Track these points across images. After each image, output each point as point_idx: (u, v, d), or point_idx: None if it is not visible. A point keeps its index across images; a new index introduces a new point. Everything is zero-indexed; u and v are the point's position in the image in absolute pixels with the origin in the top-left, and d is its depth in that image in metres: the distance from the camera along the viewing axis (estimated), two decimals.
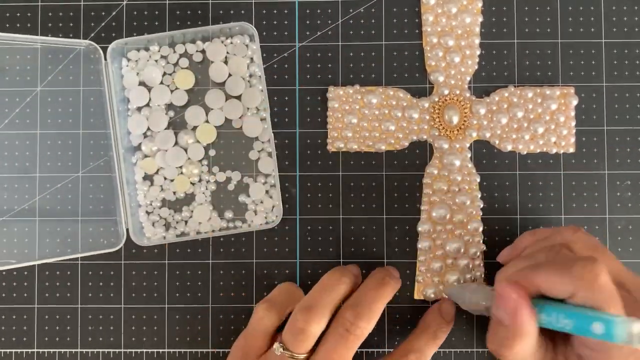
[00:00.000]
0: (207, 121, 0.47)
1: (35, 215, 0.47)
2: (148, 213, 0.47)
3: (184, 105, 0.48)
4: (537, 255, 0.39)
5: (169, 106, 0.48)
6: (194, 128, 0.47)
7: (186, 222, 0.47)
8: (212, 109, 0.47)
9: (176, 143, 0.47)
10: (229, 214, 0.47)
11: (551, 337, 0.39)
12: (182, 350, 0.47)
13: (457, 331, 0.47)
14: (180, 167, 0.47)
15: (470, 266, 0.46)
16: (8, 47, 0.48)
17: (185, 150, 0.47)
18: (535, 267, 0.37)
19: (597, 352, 0.36)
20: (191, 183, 0.47)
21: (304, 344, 0.40)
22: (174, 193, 0.47)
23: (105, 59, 0.46)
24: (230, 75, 0.47)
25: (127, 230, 0.46)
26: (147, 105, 0.47)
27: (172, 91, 0.47)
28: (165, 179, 0.47)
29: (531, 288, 0.37)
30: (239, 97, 0.47)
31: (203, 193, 0.47)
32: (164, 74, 0.48)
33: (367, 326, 0.41)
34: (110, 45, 0.46)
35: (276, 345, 0.41)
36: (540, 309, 0.36)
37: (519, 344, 0.36)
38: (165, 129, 0.47)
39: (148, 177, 0.47)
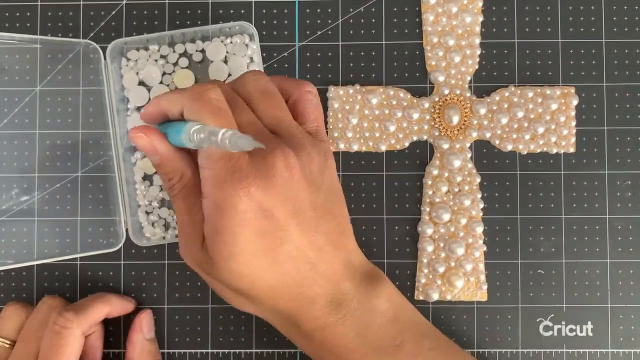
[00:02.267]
0: None
1: (35, 215, 0.47)
2: (147, 213, 0.47)
3: None
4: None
5: None
6: None
7: None
8: None
9: None
10: None
11: None
12: (182, 350, 0.47)
13: (458, 331, 0.47)
14: None
15: (471, 267, 0.46)
16: (8, 47, 0.47)
17: None
18: (165, 94, 0.39)
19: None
20: None
21: (3, 325, 0.44)
22: None
23: (105, 59, 0.46)
24: (230, 74, 0.47)
25: (127, 230, 0.46)
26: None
27: None
28: None
29: (170, 110, 0.38)
30: None
31: None
32: (164, 73, 0.47)
33: (72, 318, 0.42)
34: (110, 44, 0.46)
35: None
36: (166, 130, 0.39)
37: (159, 163, 0.39)
38: None
39: (147, 177, 0.47)
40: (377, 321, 0.39)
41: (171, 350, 0.47)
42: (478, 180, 0.47)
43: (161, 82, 0.47)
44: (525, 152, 0.47)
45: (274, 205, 0.35)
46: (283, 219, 0.35)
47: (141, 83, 0.47)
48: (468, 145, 0.47)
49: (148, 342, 0.45)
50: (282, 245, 0.36)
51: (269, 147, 0.35)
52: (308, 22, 0.48)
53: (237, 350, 0.47)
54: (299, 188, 0.36)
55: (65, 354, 0.41)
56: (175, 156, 0.38)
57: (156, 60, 0.47)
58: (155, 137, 0.38)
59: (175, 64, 0.48)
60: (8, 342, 0.43)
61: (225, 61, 0.47)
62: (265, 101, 0.38)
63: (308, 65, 0.48)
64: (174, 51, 0.47)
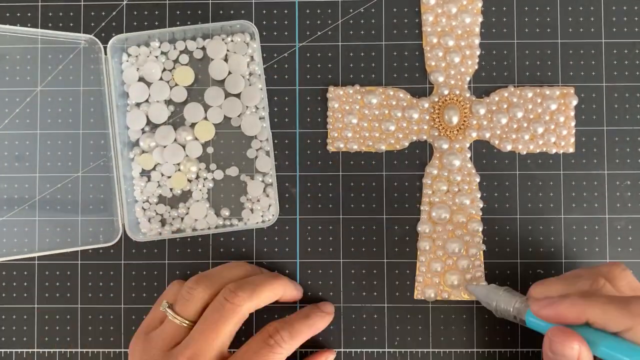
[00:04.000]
0: (205, 118, 0.47)
1: (36, 215, 0.47)
2: (144, 209, 0.47)
3: (183, 102, 0.48)
4: (579, 284, 0.39)
5: (168, 102, 0.48)
6: (193, 125, 0.47)
7: (182, 218, 0.47)
8: (211, 107, 0.47)
9: (174, 140, 0.47)
10: (225, 212, 0.47)
11: None
12: None
13: (458, 331, 0.47)
14: (178, 163, 0.47)
15: (470, 266, 0.46)
16: (9, 48, 0.48)
17: (183, 147, 0.47)
18: (588, 299, 0.36)
19: None
20: (188, 180, 0.47)
21: (187, 307, 0.42)
22: (171, 190, 0.47)
23: (106, 54, 0.46)
24: (230, 73, 0.47)
25: (123, 225, 0.46)
26: (147, 101, 0.47)
27: (171, 87, 0.48)
28: (162, 175, 0.47)
29: (580, 319, 0.36)
30: (238, 95, 0.47)
31: (200, 190, 0.47)
32: (164, 70, 0.48)
33: (246, 298, 0.41)
34: (111, 40, 0.46)
35: (164, 303, 0.43)
36: (593, 345, 0.36)
37: None
38: (165, 124, 0.47)
39: (145, 173, 0.48)
40: None
41: None
42: (477, 180, 0.47)
43: (161, 79, 0.48)
44: (525, 152, 0.47)
45: None
46: None
47: (141, 79, 0.48)
48: (467, 145, 0.47)
49: None
50: None
51: None
52: (308, 22, 0.48)
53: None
54: None
55: (228, 325, 0.41)
56: None
57: (157, 57, 0.48)
58: (585, 349, 0.35)
59: (176, 60, 0.48)
60: (187, 322, 0.42)
61: (226, 59, 0.48)
62: None
63: (308, 65, 0.48)
64: (175, 48, 0.48)
